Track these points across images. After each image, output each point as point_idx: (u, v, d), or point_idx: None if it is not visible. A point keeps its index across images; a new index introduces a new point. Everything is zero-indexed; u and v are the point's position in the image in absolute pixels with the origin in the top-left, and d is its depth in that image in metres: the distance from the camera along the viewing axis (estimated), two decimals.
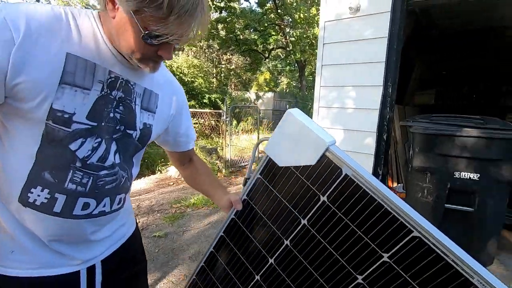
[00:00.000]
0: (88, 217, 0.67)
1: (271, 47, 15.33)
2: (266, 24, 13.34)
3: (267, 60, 17.74)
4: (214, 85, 12.92)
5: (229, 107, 5.78)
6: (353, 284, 0.61)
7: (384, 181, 2.85)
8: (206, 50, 16.83)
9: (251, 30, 14.77)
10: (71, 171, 0.63)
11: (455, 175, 2.15)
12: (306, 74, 17.31)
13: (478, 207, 2.13)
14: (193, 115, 6.83)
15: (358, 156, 2.77)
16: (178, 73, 8.84)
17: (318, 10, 11.98)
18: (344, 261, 0.62)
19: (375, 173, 2.73)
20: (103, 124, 0.65)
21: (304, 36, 12.97)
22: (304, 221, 0.66)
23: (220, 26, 13.79)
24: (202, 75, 11.92)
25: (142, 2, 0.54)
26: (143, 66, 0.65)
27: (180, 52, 15.96)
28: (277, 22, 14.16)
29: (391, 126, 2.89)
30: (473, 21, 3.99)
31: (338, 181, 0.60)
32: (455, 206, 2.21)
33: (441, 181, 2.21)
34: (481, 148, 2.03)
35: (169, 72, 0.86)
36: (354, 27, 2.69)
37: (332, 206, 0.62)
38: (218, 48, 15.71)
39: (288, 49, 14.65)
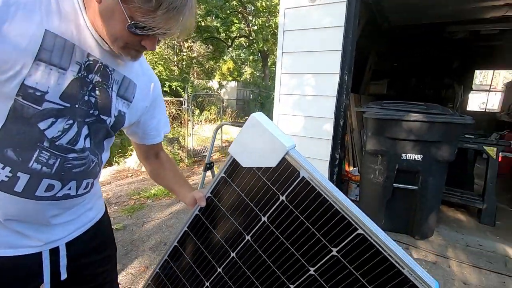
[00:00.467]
0: (51, 199, 0.65)
1: (234, 35, 15.08)
2: (228, 12, 13.03)
3: (230, 49, 17.44)
4: (176, 73, 12.42)
5: (190, 95, 5.62)
6: (306, 275, 0.67)
7: (341, 164, 3.01)
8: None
9: (213, 17, 14.37)
10: (38, 150, 0.60)
11: (402, 156, 2.34)
12: (269, 64, 17.39)
13: (421, 185, 2.36)
14: None
15: (318, 141, 2.88)
16: None
17: None
18: (299, 255, 0.67)
19: (332, 157, 2.87)
20: (76, 106, 0.63)
21: (267, 25, 12.95)
22: (264, 218, 0.71)
23: None
24: (162, 62, 11.35)
25: None
26: (124, 54, 0.65)
27: None
28: (239, 9, 13.92)
29: (348, 113, 3.04)
30: (419, 17, 4.30)
31: (296, 182, 0.65)
32: (402, 185, 2.42)
33: (390, 163, 2.39)
34: (424, 131, 2.24)
35: (147, 63, 0.84)
36: (312, 15, 2.75)
37: (290, 205, 0.67)
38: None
39: (251, 38, 14.54)
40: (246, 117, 11.42)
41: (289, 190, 0.66)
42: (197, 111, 7.29)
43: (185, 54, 17.42)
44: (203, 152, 5.67)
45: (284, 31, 2.90)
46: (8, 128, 0.57)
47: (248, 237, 0.74)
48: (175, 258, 0.88)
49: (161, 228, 2.72)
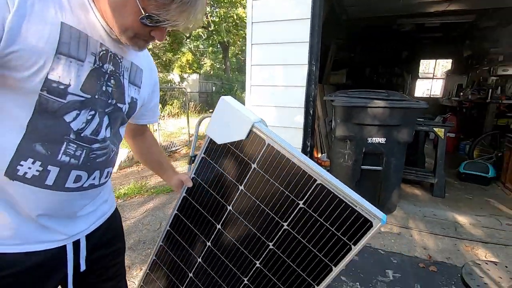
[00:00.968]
0: (79, 189, 0.67)
1: (195, 27, 14.62)
2: None
3: (188, 40, 16.88)
4: None
5: None
6: (281, 231, 0.75)
7: (311, 151, 3.17)
8: None
9: None
10: (65, 143, 0.61)
11: (368, 140, 2.55)
12: (229, 55, 17.22)
13: (385, 166, 2.60)
14: None
15: (290, 131, 2.99)
16: None
17: None
18: (273, 213, 0.76)
19: (304, 145, 3.00)
20: (96, 97, 0.64)
21: (228, 16, 12.77)
22: (241, 187, 0.79)
23: None
24: None
25: None
26: (132, 44, 0.65)
27: None
28: None
29: (316, 102, 3.19)
30: (373, 10, 4.60)
31: (263, 150, 0.74)
32: (368, 167, 2.64)
33: (358, 147, 2.59)
34: (387, 116, 2.45)
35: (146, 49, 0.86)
36: (280, 7, 2.81)
37: (261, 170, 0.75)
38: None
39: (210, 29, 14.22)
40: (210, 110, 11.24)
41: (258, 158, 0.75)
42: (159, 105, 7.02)
43: None
44: (171, 147, 5.52)
45: (252, 22, 2.93)
46: (34, 123, 0.58)
47: (229, 207, 0.82)
48: (169, 242, 0.93)
49: (138, 227, 2.64)
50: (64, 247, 0.70)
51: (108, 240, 0.83)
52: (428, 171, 3.48)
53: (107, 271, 0.84)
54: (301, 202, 0.71)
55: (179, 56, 18.19)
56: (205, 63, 21.04)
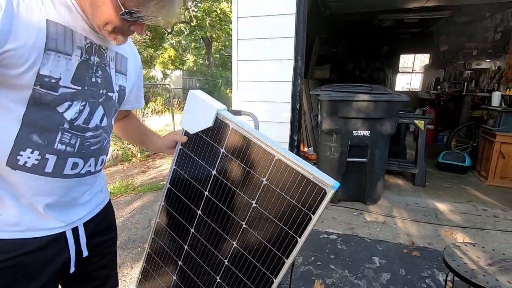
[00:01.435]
0: (77, 176, 0.71)
1: (173, 21, 14.33)
2: None
3: (170, 35, 16.53)
4: None
5: None
6: (251, 209, 0.80)
7: (298, 145, 3.23)
8: None
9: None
10: (60, 132, 0.65)
11: (353, 133, 2.62)
12: (213, 51, 17.03)
13: (370, 157, 2.69)
14: None
15: (277, 125, 3.02)
16: None
17: None
18: (242, 194, 0.81)
19: (291, 140, 3.05)
20: (86, 88, 0.67)
21: (212, 10, 12.59)
22: (214, 172, 0.86)
23: None
24: None
25: None
26: (112, 38, 0.67)
27: None
28: None
29: (302, 97, 3.23)
30: (355, 5, 4.69)
31: (228, 134, 0.82)
32: (354, 159, 2.72)
33: (344, 140, 2.66)
34: (371, 110, 2.53)
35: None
36: (266, 2, 2.82)
37: (228, 154, 0.82)
38: None
39: (192, 24, 13.98)
40: None
41: (225, 142, 0.83)
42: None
43: None
44: None
45: (238, 17, 2.92)
46: (30, 116, 0.61)
47: (206, 193, 0.88)
48: (164, 217, 0.99)
49: (126, 226, 2.61)
50: (64, 233, 0.73)
51: (104, 228, 0.86)
52: (409, 162, 3.62)
53: (103, 259, 0.87)
54: (264, 179, 0.76)
55: (161, 52, 17.81)
56: (188, 59, 20.71)
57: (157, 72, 11.99)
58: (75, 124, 0.67)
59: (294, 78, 2.90)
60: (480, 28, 5.40)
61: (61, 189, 0.69)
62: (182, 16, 14.53)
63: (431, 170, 3.92)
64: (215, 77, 14.35)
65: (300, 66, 2.91)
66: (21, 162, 0.62)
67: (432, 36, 6.87)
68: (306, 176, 0.69)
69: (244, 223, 0.81)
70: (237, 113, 1.42)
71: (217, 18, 12.97)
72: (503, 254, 1.28)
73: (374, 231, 2.41)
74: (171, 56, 18.51)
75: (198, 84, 13.03)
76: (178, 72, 12.38)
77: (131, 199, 3.21)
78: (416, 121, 3.29)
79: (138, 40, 17.08)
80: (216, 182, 0.85)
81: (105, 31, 0.64)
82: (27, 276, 0.68)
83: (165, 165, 4.52)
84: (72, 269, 0.77)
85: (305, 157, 3.59)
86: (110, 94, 0.74)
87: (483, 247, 1.34)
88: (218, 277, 0.88)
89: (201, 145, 0.87)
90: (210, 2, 12.73)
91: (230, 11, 2.87)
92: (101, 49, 0.71)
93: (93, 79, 0.69)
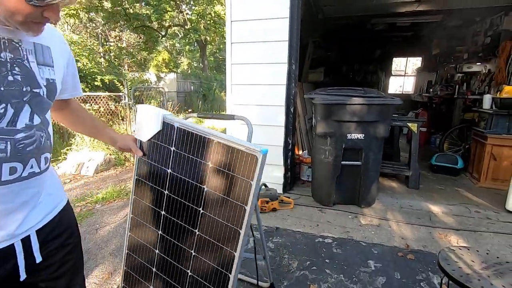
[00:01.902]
0: (19, 180, 0.68)
1: (167, 24, 14.27)
2: None
3: (164, 38, 16.48)
4: (103, 66, 11.25)
5: (130, 90, 5.23)
6: (204, 192, 0.92)
7: (293, 149, 3.22)
8: (88, 24, 14.33)
9: (143, 4, 13.34)
10: None
11: (347, 136, 2.63)
12: (207, 54, 17.02)
13: (364, 160, 2.69)
14: (84, 100, 5.88)
15: (271, 129, 3.02)
16: None
17: None
18: (196, 182, 0.93)
19: (286, 143, 3.04)
20: (2, 89, 0.62)
21: (206, 13, 12.58)
22: (169, 171, 0.98)
23: None
24: (87, 54, 10.13)
25: None
26: (25, 30, 0.61)
27: (52, 26, 13.07)
28: None
29: (296, 100, 3.23)
30: (348, 9, 4.73)
31: (175, 133, 0.96)
32: (348, 162, 2.72)
33: (338, 143, 2.66)
34: (364, 113, 2.54)
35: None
36: (259, 6, 2.82)
37: (177, 150, 0.96)
38: (103, 22, 13.60)
39: (186, 27, 13.96)
40: (189, 110, 11.02)
41: (174, 140, 0.95)
42: (136, 106, 6.82)
43: (112, 44, 15.86)
44: None
45: (232, 21, 2.92)
46: None
47: (166, 192, 1.00)
48: (136, 208, 1.10)
49: (119, 232, 2.56)
50: (12, 245, 0.69)
51: (59, 233, 0.82)
52: (403, 165, 3.64)
53: (61, 267, 0.83)
54: (208, 162, 0.89)
55: (154, 55, 17.73)
56: (182, 62, 20.65)
57: (151, 75, 11.90)
58: None
59: (288, 82, 2.90)
60: (470, 32, 5.50)
61: (5, 196, 0.66)
62: (176, 19, 14.50)
63: (425, 172, 3.95)
64: (210, 80, 14.32)
65: (294, 70, 2.92)
66: None
67: (424, 39, 6.96)
68: (240, 149, 0.82)
69: (200, 208, 0.93)
70: (231, 117, 1.40)
71: (212, 21, 12.96)
72: (497, 257, 1.29)
73: (369, 235, 2.40)
74: (165, 59, 18.45)
75: (192, 87, 12.98)
76: (172, 75, 12.30)
77: (124, 204, 3.16)
78: (410, 124, 3.31)
79: (132, 43, 17.02)
80: (172, 178, 0.97)
81: (15, 22, 0.58)
82: None
83: None
84: (23, 277, 0.72)
85: (300, 160, 3.58)
86: (36, 90, 0.68)
87: (477, 250, 1.34)
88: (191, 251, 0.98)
89: (155, 150, 0.99)
90: (204, 5, 12.73)
91: (225, 14, 2.86)
92: (13, 43, 0.64)
93: (10, 78, 0.63)
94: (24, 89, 0.66)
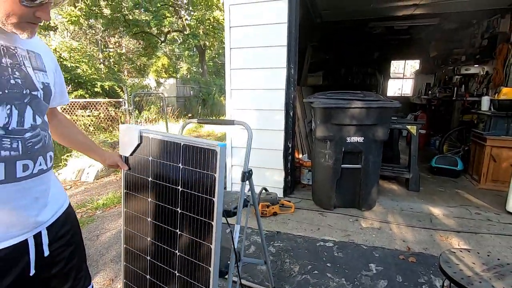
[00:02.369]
0: (31, 176, 0.73)
1: (166, 30, 14.36)
2: (159, 5, 12.33)
3: (163, 44, 16.58)
4: (103, 72, 11.31)
5: (130, 95, 5.26)
6: (179, 193, 0.98)
7: (293, 152, 3.23)
8: (88, 31, 14.43)
9: (142, 10, 13.43)
10: None
11: (347, 140, 2.64)
12: (206, 59, 17.10)
13: (364, 163, 2.70)
14: (84, 106, 5.91)
15: (271, 133, 3.02)
16: (57, 58, 7.32)
17: None
18: (171, 185, 1.00)
19: (285, 147, 3.05)
20: (6, 91, 0.66)
21: (206, 18, 12.67)
22: (150, 179, 1.06)
23: (103, 3, 11.99)
24: (86, 60, 10.18)
25: None
26: (20, 32, 0.65)
27: (52, 33, 13.19)
28: (171, 2, 13.30)
29: (296, 104, 3.25)
30: (346, 13, 4.77)
31: (151, 144, 1.03)
32: (348, 165, 2.73)
33: (338, 146, 2.67)
34: (364, 116, 2.55)
35: None
36: (257, 11, 2.85)
37: (154, 158, 1.03)
38: (103, 29, 13.70)
39: (185, 32, 14.04)
40: (189, 115, 11.02)
41: (151, 152, 1.04)
42: (136, 112, 6.85)
43: (111, 50, 15.95)
44: None
45: (230, 27, 2.94)
46: None
47: (149, 199, 1.08)
48: (128, 220, 1.17)
49: (120, 238, 2.55)
50: (26, 241, 0.74)
51: (66, 231, 0.87)
52: (403, 167, 3.65)
53: (68, 264, 0.87)
54: (181, 165, 0.96)
55: (154, 60, 17.81)
56: (181, 67, 20.74)
57: (150, 80, 11.95)
58: (9, 128, 0.67)
59: (287, 86, 2.92)
60: (467, 34, 5.53)
61: (19, 193, 0.70)
62: (175, 25, 14.60)
63: (425, 175, 3.95)
64: (209, 85, 14.37)
65: (293, 74, 2.94)
66: None
67: (421, 42, 7.01)
68: (202, 147, 0.90)
69: (178, 209, 0.99)
70: (230, 122, 1.41)
71: (211, 27, 13.05)
72: (498, 259, 1.29)
73: (370, 238, 2.40)
74: (165, 64, 18.53)
75: (192, 92, 13.02)
76: (171, 81, 12.35)
77: None
78: (409, 127, 3.32)
79: (131, 49, 17.12)
80: (153, 185, 1.05)
81: (10, 25, 0.63)
82: None
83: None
84: (32, 272, 0.76)
85: (300, 164, 3.59)
86: (34, 93, 0.73)
87: (478, 252, 1.34)
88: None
89: (138, 162, 1.08)
90: (203, 11, 12.82)
91: (223, 20, 2.88)
92: (10, 50, 0.70)
93: (12, 81, 0.68)
94: (24, 91, 0.70)
